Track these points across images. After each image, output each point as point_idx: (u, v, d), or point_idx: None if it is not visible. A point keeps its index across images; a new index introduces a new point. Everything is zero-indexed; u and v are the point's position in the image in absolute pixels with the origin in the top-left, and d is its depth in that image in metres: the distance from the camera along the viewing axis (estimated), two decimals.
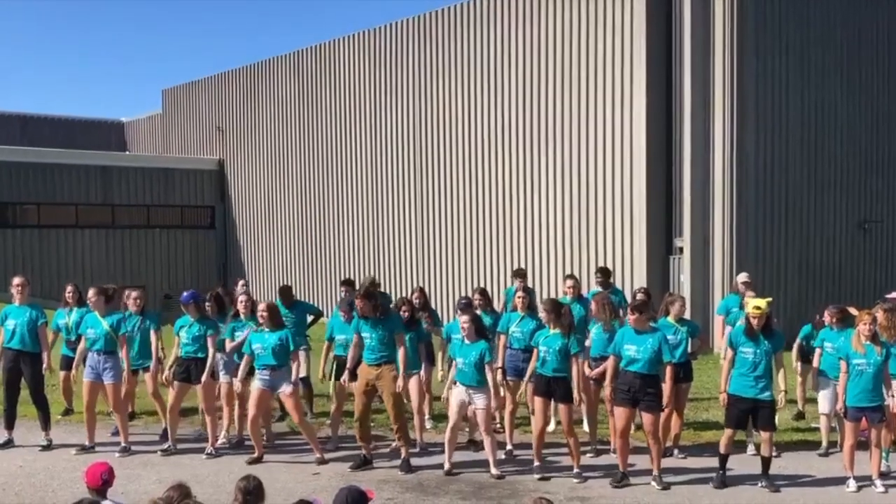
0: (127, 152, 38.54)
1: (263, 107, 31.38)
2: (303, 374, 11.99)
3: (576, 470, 9.62)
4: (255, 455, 10.29)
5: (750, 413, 9.34)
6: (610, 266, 21.11)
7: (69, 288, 12.20)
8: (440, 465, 9.93)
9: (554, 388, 9.60)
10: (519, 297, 11.07)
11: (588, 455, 10.34)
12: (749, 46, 20.33)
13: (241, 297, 11.39)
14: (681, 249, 20.69)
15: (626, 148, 20.99)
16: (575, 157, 22.03)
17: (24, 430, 11.21)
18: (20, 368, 10.84)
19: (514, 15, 23.27)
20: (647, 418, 9.35)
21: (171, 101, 36.57)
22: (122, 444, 10.61)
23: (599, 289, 12.66)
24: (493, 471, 9.71)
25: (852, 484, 9.18)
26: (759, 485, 9.27)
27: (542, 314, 10.07)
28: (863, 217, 22.74)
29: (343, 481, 7.94)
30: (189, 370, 10.61)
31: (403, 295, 11.98)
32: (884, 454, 9.59)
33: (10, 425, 10.95)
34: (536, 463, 9.75)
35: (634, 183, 20.84)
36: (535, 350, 9.77)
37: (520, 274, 13.82)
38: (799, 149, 21.44)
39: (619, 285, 20.37)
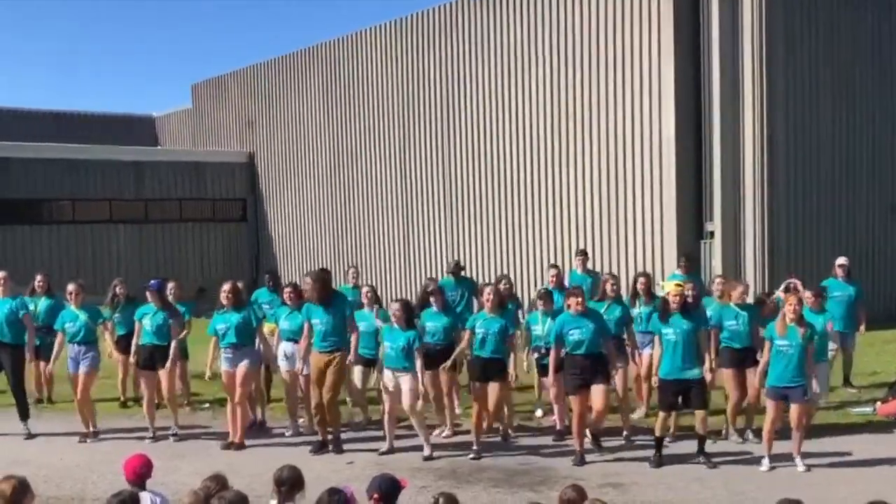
0: (158, 147, 38.89)
1: (292, 99, 31.52)
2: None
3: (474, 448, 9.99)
4: (228, 440, 10.59)
5: (681, 394, 9.57)
6: (640, 251, 21.09)
7: (39, 277, 12.72)
8: (469, 453, 10.12)
9: (489, 369, 9.93)
10: (608, 283, 10.98)
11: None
12: (778, 28, 20.09)
13: (365, 289, 11.64)
14: (711, 233, 20.56)
15: (654, 131, 20.86)
16: (604, 142, 21.92)
17: (62, 421, 11.43)
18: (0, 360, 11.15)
19: None
20: (597, 395, 9.61)
21: (201, 96, 36.83)
22: (89, 431, 10.94)
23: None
24: (426, 451, 10.00)
25: (766, 463, 9.32)
26: (698, 460, 9.50)
27: (484, 297, 10.25)
28: (895, 199, 22.46)
29: (376, 470, 8.01)
30: (153, 358, 10.79)
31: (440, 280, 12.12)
32: None
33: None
34: (475, 447, 10.06)
35: (664, 166, 20.72)
36: (468, 332, 10.11)
37: (582, 254, 13.93)
38: (830, 130, 21.20)
39: (649, 270, 20.28)
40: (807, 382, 9.26)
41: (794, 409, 9.21)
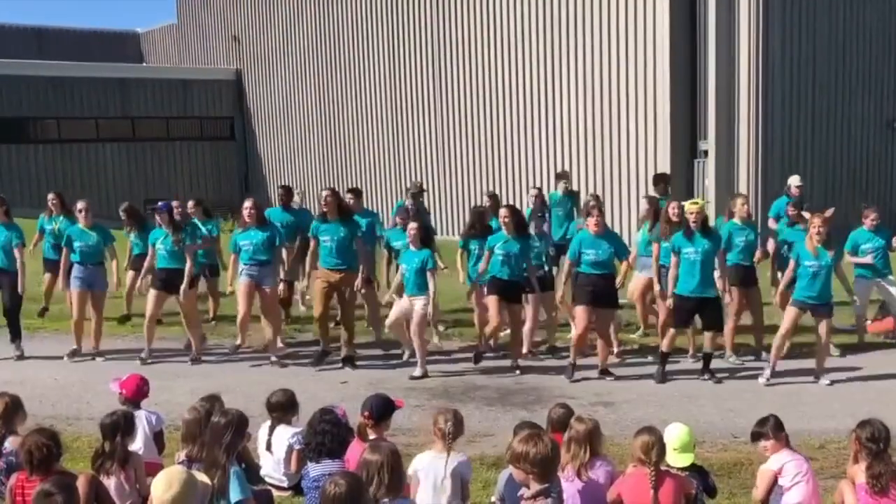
0: (144, 64, 38.25)
1: (279, 13, 30.88)
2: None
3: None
4: (237, 343, 10.82)
5: (697, 312, 9.67)
6: (633, 170, 21.01)
7: (51, 196, 12.46)
8: (463, 372, 10.22)
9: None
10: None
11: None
12: None
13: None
14: (705, 153, 20.45)
15: (649, 49, 20.56)
16: (597, 60, 21.62)
17: (56, 343, 11.41)
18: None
19: None
20: (603, 317, 9.75)
21: (186, 11, 36.07)
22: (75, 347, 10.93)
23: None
24: (416, 371, 9.99)
25: (766, 375, 9.58)
26: (704, 377, 9.72)
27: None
28: (892, 116, 22.32)
29: (371, 390, 8.05)
30: (168, 281, 10.64)
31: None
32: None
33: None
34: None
35: (658, 85, 20.48)
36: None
37: (563, 176, 13.73)
38: (826, 47, 20.91)
39: (642, 190, 20.29)
40: None
41: (820, 324, 9.46)
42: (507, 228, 9.98)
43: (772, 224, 12.00)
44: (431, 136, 26.02)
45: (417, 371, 10.02)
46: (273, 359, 10.61)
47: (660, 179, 12.97)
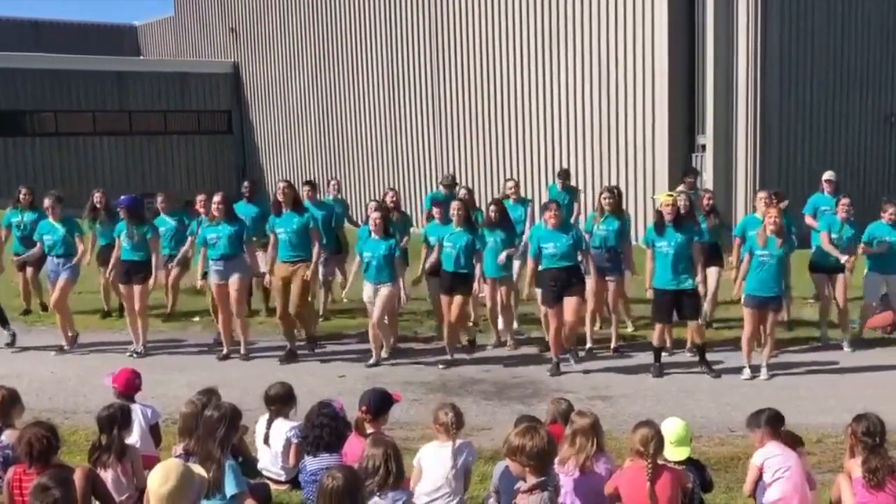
0: (141, 57, 38.18)
1: (276, 5, 30.82)
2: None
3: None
4: (224, 352, 10.59)
5: (675, 305, 9.61)
6: (631, 164, 20.99)
7: (23, 190, 12.63)
8: (459, 365, 10.20)
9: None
10: (605, 199, 10.78)
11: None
12: None
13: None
14: (703, 147, 20.43)
15: (647, 43, 20.53)
16: (595, 54, 21.59)
17: (53, 337, 11.39)
18: None
19: None
20: (569, 304, 9.61)
21: (183, 3, 35.99)
22: (63, 345, 10.91)
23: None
24: (371, 360, 10.21)
25: (746, 372, 9.52)
26: (702, 369, 9.66)
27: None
28: (889, 110, 22.31)
29: (368, 384, 8.05)
30: (129, 273, 10.71)
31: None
32: None
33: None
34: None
35: (656, 79, 20.46)
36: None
37: (564, 174, 13.88)
38: (825, 41, 20.89)
39: (640, 185, 20.30)
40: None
41: (769, 317, 9.45)
42: (457, 220, 10.07)
43: (809, 221, 12.00)
44: (429, 129, 25.98)
45: (385, 352, 10.34)
46: (242, 351, 10.59)
47: (690, 173, 13.33)
